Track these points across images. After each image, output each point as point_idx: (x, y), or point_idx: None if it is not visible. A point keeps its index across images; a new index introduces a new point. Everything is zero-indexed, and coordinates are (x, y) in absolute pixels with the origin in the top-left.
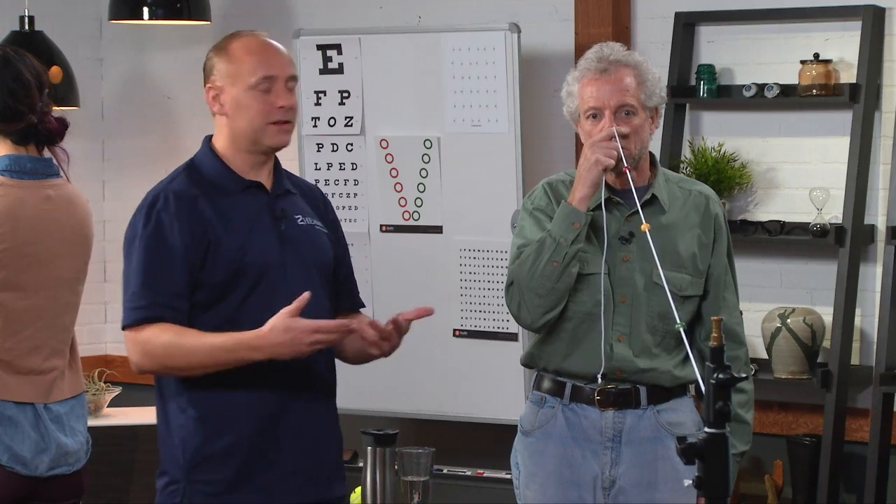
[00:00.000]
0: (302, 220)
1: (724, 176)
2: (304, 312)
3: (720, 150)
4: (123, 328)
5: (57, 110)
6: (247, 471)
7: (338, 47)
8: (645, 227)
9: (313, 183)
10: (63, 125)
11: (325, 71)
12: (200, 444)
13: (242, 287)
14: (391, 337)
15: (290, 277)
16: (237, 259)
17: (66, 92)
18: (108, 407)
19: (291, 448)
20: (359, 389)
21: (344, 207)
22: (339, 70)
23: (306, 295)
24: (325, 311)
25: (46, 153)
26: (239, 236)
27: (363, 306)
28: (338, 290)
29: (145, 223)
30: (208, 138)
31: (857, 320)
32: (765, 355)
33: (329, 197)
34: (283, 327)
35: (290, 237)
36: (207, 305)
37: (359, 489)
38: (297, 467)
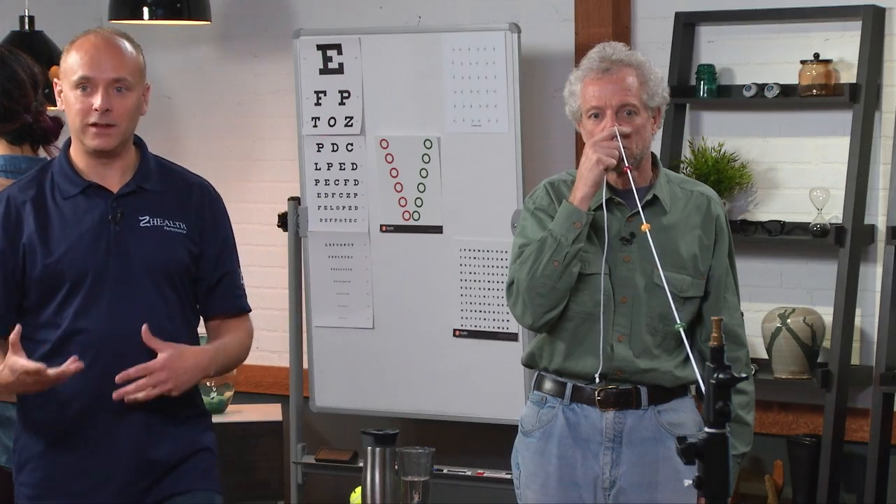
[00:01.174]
0: (147, 222)
1: (724, 176)
2: (130, 318)
3: (720, 150)
4: None
5: (51, 110)
6: (59, 476)
7: (338, 47)
8: (645, 227)
9: (204, 182)
10: (58, 124)
11: (325, 71)
12: (22, 447)
13: (60, 292)
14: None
15: (113, 281)
16: (52, 266)
17: None
18: None
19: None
20: (359, 389)
21: (344, 207)
22: (339, 70)
23: (71, 361)
24: (161, 313)
25: (42, 153)
26: (60, 242)
27: (244, 311)
28: (207, 294)
29: None
30: (70, 140)
31: (858, 320)
32: (765, 355)
33: (329, 197)
34: (9, 368)
35: (121, 241)
36: (32, 309)
37: (359, 489)
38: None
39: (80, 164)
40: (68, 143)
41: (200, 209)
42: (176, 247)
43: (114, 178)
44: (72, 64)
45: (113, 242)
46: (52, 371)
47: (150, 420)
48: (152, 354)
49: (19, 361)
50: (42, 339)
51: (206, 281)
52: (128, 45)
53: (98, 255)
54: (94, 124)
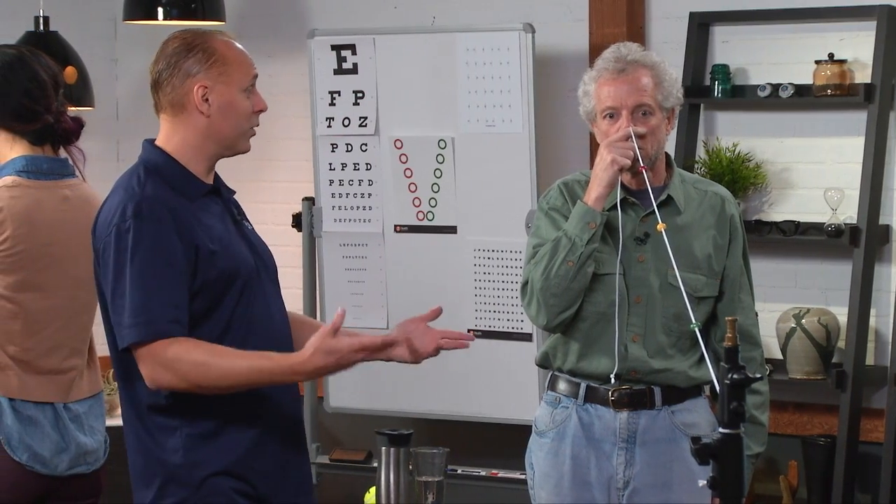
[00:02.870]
0: (248, 224)
1: (738, 176)
2: (283, 316)
3: (735, 151)
4: (130, 345)
5: (72, 111)
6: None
7: (352, 47)
8: (661, 226)
9: None
10: (79, 124)
11: (339, 71)
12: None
13: (234, 293)
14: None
15: (264, 282)
16: (226, 265)
17: (81, 92)
18: None
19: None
20: (373, 390)
21: (358, 208)
22: (354, 70)
23: (342, 311)
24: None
25: (62, 153)
26: (220, 241)
27: None
28: None
29: (136, 234)
30: (150, 142)
31: (872, 320)
32: (779, 355)
33: (343, 197)
34: (327, 349)
35: (252, 241)
36: (203, 314)
37: (373, 489)
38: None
39: (194, 166)
40: (156, 147)
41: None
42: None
43: (210, 180)
44: (241, 68)
45: (250, 243)
46: (374, 338)
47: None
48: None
49: (343, 342)
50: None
51: None
52: None
53: (247, 254)
54: (252, 126)
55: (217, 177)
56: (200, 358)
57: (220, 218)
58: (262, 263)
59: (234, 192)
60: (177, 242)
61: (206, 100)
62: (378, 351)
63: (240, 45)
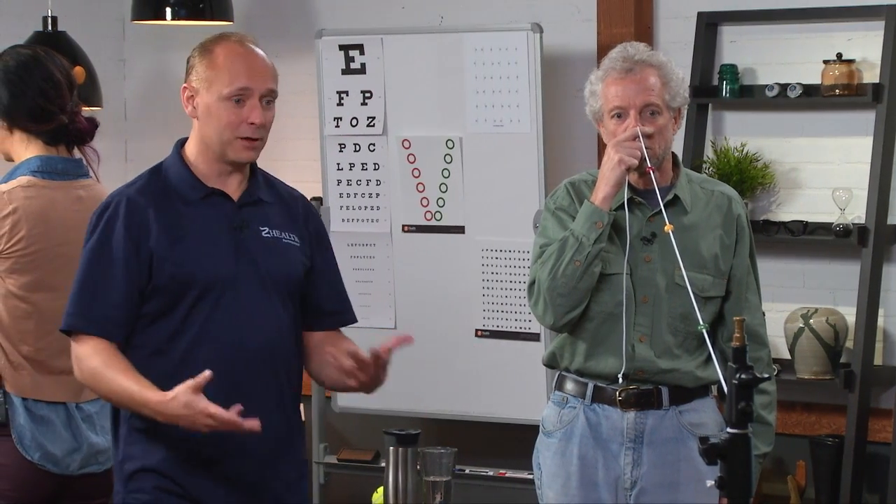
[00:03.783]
0: (267, 233)
1: (746, 176)
2: (260, 329)
3: (743, 150)
4: (62, 331)
5: (84, 110)
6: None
7: (360, 47)
8: (668, 227)
9: (301, 194)
10: (93, 125)
11: (347, 71)
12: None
13: (188, 299)
14: (367, 368)
15: (243, 290)
16: (181, 271)
17: (89, 92)
18: None
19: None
20: (381, 390)
21: (366, 208)
22: (362, 70)
23: (207, 374)
24: (285, 326)
25: (76, 153)
26: (188, 247)
27: (352, 322)
28: (317, 308)
29: (93, 229)
30: (181, 142)
31: (881, 320)
32: (787, 355)
33: (351, 197)
34: (183, 403)
35: (248, 249)
36: (155, 317)
37: (381, 489)
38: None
39: (202, 169)
40: (179, 146)
41: (307, 221)
42: (294, 259)
43: (233, 187)
44: (224, 75)
45: (240, 251)
46: (229, 415)
47: (275, 438)
48: (276, 367)
49: (202, 402)
50: (168, 349)
51: (315, 294)
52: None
53: (228, 262)
54: (244, 137)
55: (256, 182)
56: (94, 365)
57: (213, 222)
58: (253, 272)
59: (265, 201)
60: (128, 242)
61: (192, 102)
62: (228, 425)
63: (251, 55)
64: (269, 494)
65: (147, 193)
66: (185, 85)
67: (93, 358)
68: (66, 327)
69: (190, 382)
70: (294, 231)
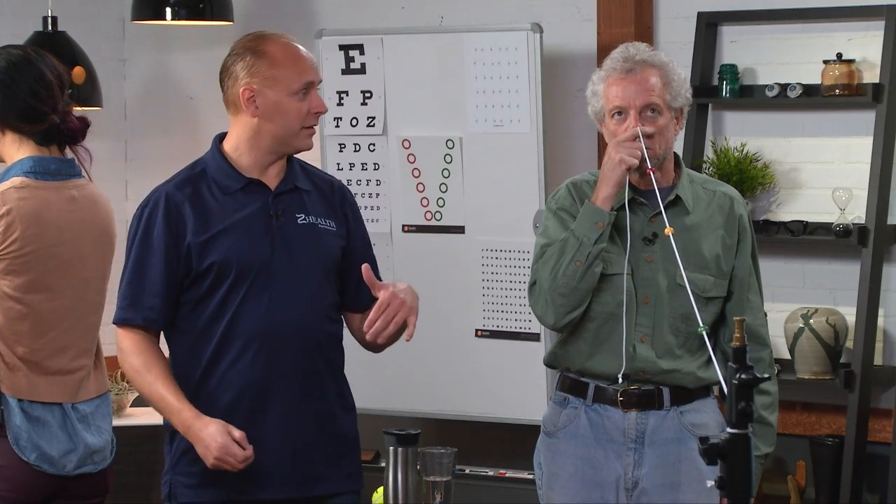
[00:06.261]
0: (303, 219)
1: (746, 176)
2: (293, 312)
3: (743, 151)
4: (114, 323)
5: (79, 110)
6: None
7: (360, 47)
8: (669, 230)
9: (337, 179)
10: (85, 124)
11: (347, 71)
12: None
13: (225, 284)
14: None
15: (279, 276)
16: (218, 259)
17: (89, 92)
18: (130, 407)
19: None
20: (381, 390)
21: (366, 207)
22: (362, 70)
23: (240, 434)
24: (326, 307)
25: (68, 153)
26: (225, 236)
27: None
28: (356, 287)
29: (136, 225)
30: (219, 138)
31: (881, 320)
32: (787, 356)
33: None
34: (221, 444)
35: (284, 236)
36: (196, 303)
37: (381, 489)
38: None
39: (243, 161)
40: (218, 141)
41: (343, 206)
42: (330, 244)
43: (271, 176)
44: (291, 72)
45: (277, 237)
46: (239, 468)
47: (315, 415)
48: (312, 349)
49: (234, 448)
50: (209, 331)
51: (354, 274)
52: None
53: (264, 248)
54: (309, 126)
55: (293, 171)
56: (135, 364)
57: (250, 211)
58: (287, 258)
59: (301, 189)
60: (167, 236)
61: (254, 102)
62: (231, 468)
63: (301, 50)
64: (313, 469)
65: (185, 187)
66: (244, 87)
67: (134, 356)
68: (118, 321)
69: (235, 432)
70: (331, 217)
